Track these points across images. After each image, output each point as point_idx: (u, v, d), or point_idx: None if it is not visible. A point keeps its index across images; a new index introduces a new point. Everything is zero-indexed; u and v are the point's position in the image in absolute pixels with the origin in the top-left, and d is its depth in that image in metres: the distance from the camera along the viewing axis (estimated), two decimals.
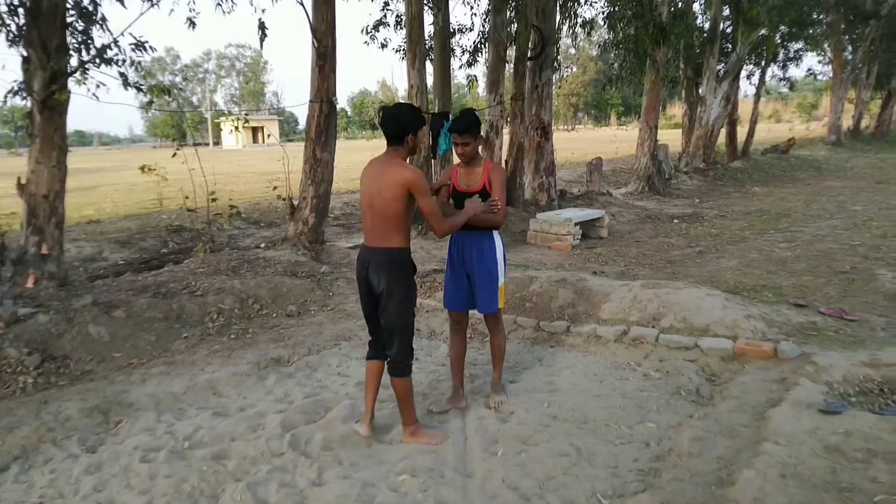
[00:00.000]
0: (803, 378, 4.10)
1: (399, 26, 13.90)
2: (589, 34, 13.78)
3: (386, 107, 3.74)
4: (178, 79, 79.74)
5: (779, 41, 22.44)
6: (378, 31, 14.12)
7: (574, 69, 76.55)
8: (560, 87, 70.26)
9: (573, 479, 3.40)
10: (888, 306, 5.98)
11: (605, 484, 3.34)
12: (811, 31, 24.80)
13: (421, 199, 3.61)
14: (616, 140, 36.56)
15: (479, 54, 14.70)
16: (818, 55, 32.42)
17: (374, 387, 4.01)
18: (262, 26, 8.56)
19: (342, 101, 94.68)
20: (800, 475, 2.93)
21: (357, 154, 32.71)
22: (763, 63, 23.52)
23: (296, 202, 8.73)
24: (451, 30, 12.92)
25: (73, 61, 6.52)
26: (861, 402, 3.89)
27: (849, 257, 8.13)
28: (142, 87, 7.07)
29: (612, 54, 16.50)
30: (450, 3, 11.39)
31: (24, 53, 6.25)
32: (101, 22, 6.68)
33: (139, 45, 6.82)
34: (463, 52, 14.88)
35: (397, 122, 3.65)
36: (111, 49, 6.66)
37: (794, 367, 4.36)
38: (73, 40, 6.63)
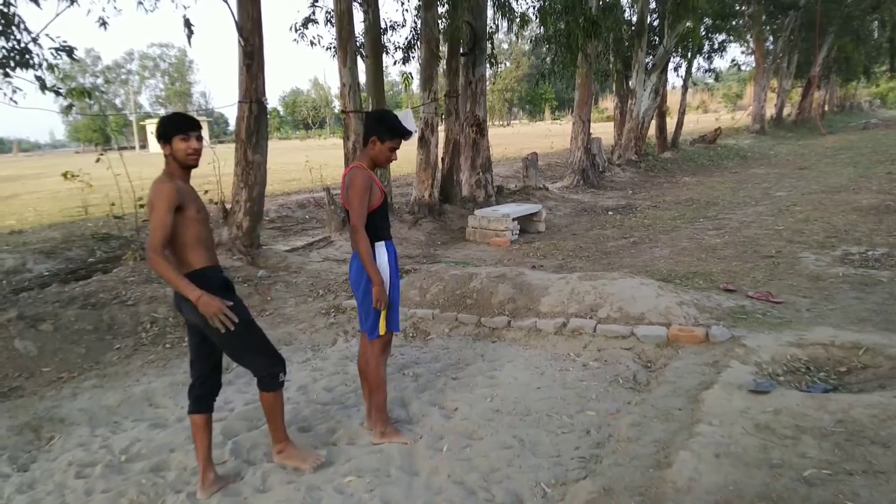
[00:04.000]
0: (734, 360, 4.24)
1: (329, 23, 13.76)
2: (521, 28, 13.88)
3: None
4: (99, 80, 77.14)
5: (703, 33, 23.12)
6: (307, 28, 13.95)
7: (507, 64, 77.23)
8: (494, 83, 70.80)
9: (517, 470, 3.44)
10: (811, 288, 6.24)
11: (549, 473, 3.39)
12: (734, 23, 25.67)
13: (151, 214, 3.14)
14: (551, 134, 37.04)
15: (412, 51, 14.67)
16: (741, 46, 33.67)
17: (203, 439, 3.49)
18: (187, 23, 8.38)
19: (273, 101, 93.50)
20: (733, 454, 3.03)
21: (290, 155, 32.33)
22: (689, 55, 24.19)
23: (228, 206, 8.56)
24: (383, 27, 12.85)
25: None
26: (789, 380, 4.05)
27: (774, 242, 8.44)
28: (60, 90, 6.80)
29: (545, 49, 16.69)
30: None
31: None
32: (17, 24, 6.40)
33: (61, 49, 6.53)
34: (396, 49, 14.82)
35: (160, 125, 3.24)
36: (27, 52, 6.39)
37: (724, 350, 4.51)
38: None
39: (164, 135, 3.19)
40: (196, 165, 3.27)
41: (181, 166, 3.23)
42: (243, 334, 3.29)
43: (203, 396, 3.46)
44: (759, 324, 5.15)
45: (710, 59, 26.84)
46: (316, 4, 13.69)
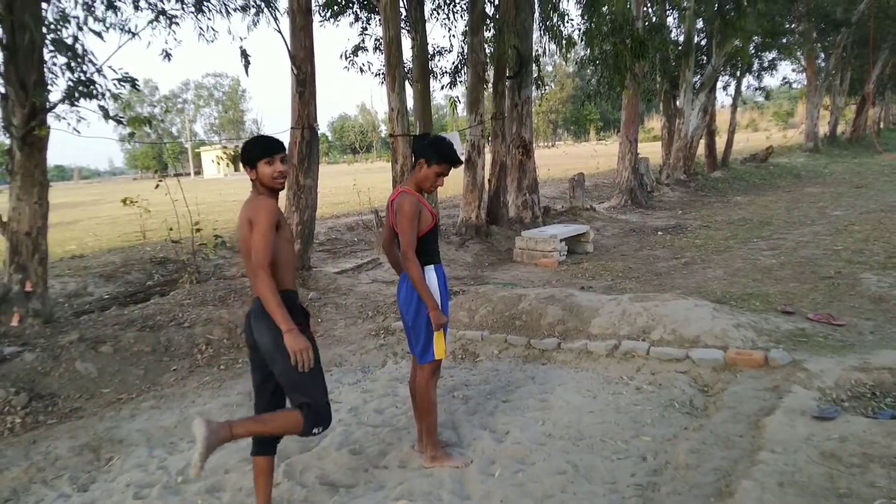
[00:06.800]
0: (795, 385, 4.11)
1: (378, 50, 14.01)
2: (568, 50, 13.90)
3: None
4: (156, 110, 79.86)
5: (753, 51, 22.79)
6: (357, 55, 14.24)
7: (552, 86, 77.34)
8: (539, 105, 70.90)
9: (571, 496, 3.38)
10: (874, 310, 6.03)
11: (604, 500, 3.32)
12: (784, 41, 25.24)
13: (254, 230, 3.01)
14: (597, 155, 36.84)
15: (459, 75, 14.80)
16: (792, 64, 32.99)
17: (264, 485, 3.33)
18: (244, 54, 8.60)
19: (322, 126, 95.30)
20: (798, 483, 2.93)
21: (338, 178, 32.81)
22: (738, 73, 23.88)
23: None
24: (430, 52, 13.01)
25: (53, 96, 6.49)
26: (854, 406, 3.91)
27: (833, 262, 8.20)
28: (122, 119, 7.03)
29: (590, 70, 16.67)
30: (427, 25, 11.49)
31: (2, 91, 6.20)
32: (82, 56, 6.65)
33: (124, 80, 6.74)
34: (442, 73, 14.98)
35: (244, 149, 3.16)
36: (92, 83, 6.63)
37: (785, 375, 4.38)
38: (53, 75, 6.60)
39: (249, 160, 3.12)
40: (282, 188, 3.21)
41: (268, 190, 3.15)
42: (306, 377, 3.09)
43: (265, 438, 3.26)
44: (821, 347, 4.99)
45: (759, 77, 26.53)
46: (366, 33, 13.97)
